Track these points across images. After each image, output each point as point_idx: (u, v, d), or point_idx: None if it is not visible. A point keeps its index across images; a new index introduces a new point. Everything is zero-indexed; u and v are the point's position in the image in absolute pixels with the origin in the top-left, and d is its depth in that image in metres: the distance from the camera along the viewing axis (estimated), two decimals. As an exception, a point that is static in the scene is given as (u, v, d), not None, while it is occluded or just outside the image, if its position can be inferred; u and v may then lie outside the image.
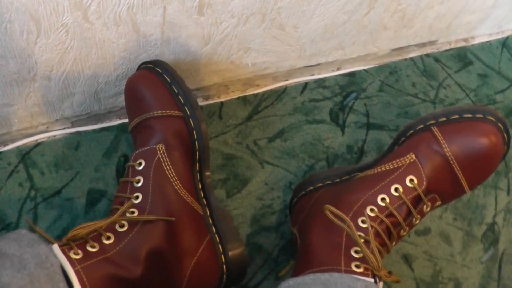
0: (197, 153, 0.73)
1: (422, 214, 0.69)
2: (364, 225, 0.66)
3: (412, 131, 0.73)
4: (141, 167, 0.69)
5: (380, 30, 0.95)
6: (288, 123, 0.92)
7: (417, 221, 0.69)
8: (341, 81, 0.99)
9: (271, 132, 0.91)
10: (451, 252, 0.84)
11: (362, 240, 0.64)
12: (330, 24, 0.88)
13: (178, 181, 0.69)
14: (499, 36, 1.13)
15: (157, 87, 0.75)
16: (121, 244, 0.62)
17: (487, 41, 1.12)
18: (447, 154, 0.69)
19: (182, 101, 0.74)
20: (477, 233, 0.87)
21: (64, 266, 0.57)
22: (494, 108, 0.71)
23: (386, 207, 0.67)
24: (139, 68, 0.79)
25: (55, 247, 0.59)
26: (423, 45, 1.05)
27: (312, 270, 0.64)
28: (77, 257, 0.59)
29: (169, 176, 0.69)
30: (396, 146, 0.74)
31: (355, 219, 0.67)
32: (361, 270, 0.63)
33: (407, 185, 0.68)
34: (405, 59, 1.04)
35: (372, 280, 0.62)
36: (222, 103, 0.92)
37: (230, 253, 0.68)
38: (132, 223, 0.64)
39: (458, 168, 0.69)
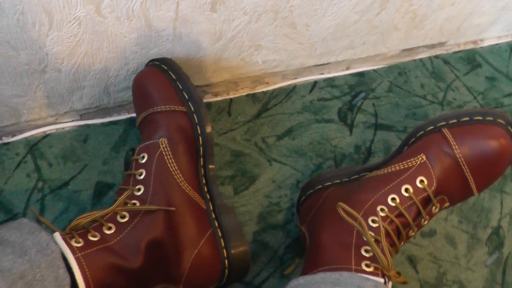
0: (201, 148, 0.74)
1: (431, 215, 0.70)
2: (374, 225, 0.66)
3: (422, 132, 0.73)
4: (144, 160, 0.70)
5: (390, 31, 0.95)
6: (296, 121, 0.92)
7: (426, 222, 0.69)
8: (350, 80, 0.99)
9: (280, 130, 0.91)
10: (456, 254, 0.84)
11: (373, 240, 0.65)
12: (342, 24, 0.88)
13: (180, 175, 0.70)
14: (509, 39, 1.13)
15: (162, 83, 0.76)
16: (122, 234, 0.63)
17: (496, 44, 1.12)
18: (457, 156, 0.69)
19: (187, 97, 0.75)
20: (482, 237, 0.87)
21: (65, 253, 0.58)
22: (504, 112, 0.71)
23: (396, 207, 0.68)
24: (146, 65, 0.80)
25: (56, 235, 0.60)
26: (432, 46, 1.05)
27: (322, 268, 0.64)
28: (78, 245, 0.60)
29: (171, 169, 0.70)
30: (406, 147, 0.74)
31: (365, 218, 0.67)
32: (371, 269, 0.63)
33: (417, 186, 0.68)
34: (414, 60, 1.04)
35: (382, 280, 0.62)
36: (231, 100, 0.92)
37: (232, 251, 0.68)
38: (133, 214, 0.65)
39: (467, 170, 0.69)
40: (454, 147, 0.69)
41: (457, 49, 1.09)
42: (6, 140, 0.83)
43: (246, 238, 0.78)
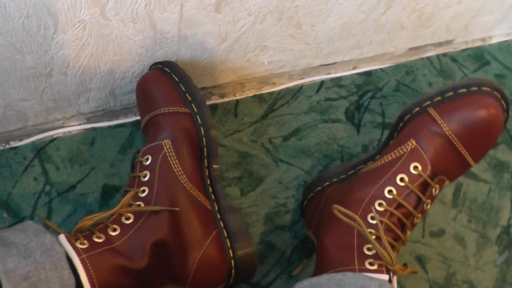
0: (205, 149, 0.74)
1: (432, 198, 0.68)
2: (373, 222, 0.66)
3: (409, 116, 0.72)
4: (148, 162, 0.71)
5: (397, 30, 0.94)
6: (303, 121, 0.92)
7: (428, 206, 0.68)
8: (357, 80, 0.98)
9: (286, 130, 0.90)
10: (465, 254, 0.84)
11: (374, 237, 0.64)
12: (348, 23, 0.88)
13: (184, 175, 0.70)
14: (517, 37, 1.12)
15: (164, 85, 0.77)
16: (127, 235, 0.64)
17: (505, 41, 1.11)
18: (447, 133, 0.68)
19: (190, 98, 0.75)
20: (491, 236, 0.86)
21: (70, 254, 0.59)
22: (488, 78, 0.69)
23: (394, 199, 0.67)
24: (150, 69, 0.81)
25: (61, 236, 0.60)
26: (440, 44, 1.05)
27: (327, 272, 0.64)
28: (83, 246, 0.60)
29: (175, 170, 0.70)
30: (396, 133, 0.73)
31: (364, 216, 0.66)
32: (375, 267, 0.63)
33: (411, 173, 0.67)
34: (422, 59, 1.03)
35: (387, 277, 0.61)
36: (237, 101, 0.92)
37: (239, 252, 0.68)
38: (138, 215, 0.66)
39: (460, 145, 0.68)
40: (442, 125, 0.68)
41: (465, 46, 1.08)
42: (13, 144, 0.83)
43: (253, 239, 0.78)
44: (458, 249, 0.84)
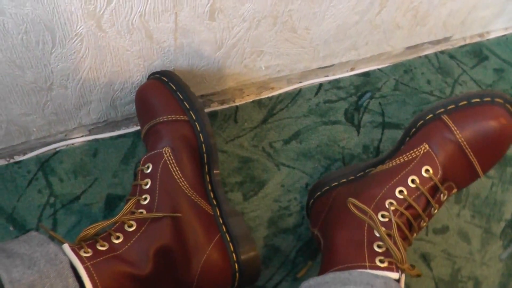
0: (205, 155, 0.75)
1: (440, 203, 0.69)
2: (384, 219, 0.67)
3: (422, 122, 0.73)
4: (149, 170, 0.72)
5: (393, 29, 0.95)
6: (303, 125, 0.92)
7: (435, 211, 0.69)
8: (355, 81, 0.99)
9: (287, 134, 0.91)
10: (470, 250, 0.84)
11: (385, 234, 0.65)
12: (342, 25, 0.88)
13: (185, 182, 0.71)
14: (515, 31, 1.12)
15: (163, 94, 0.78)
16: (130, 242, 0.65)
17: (503, 35, 1.11)
18: (459, 140, 0.69)
19: (188, 106, 0.76)
20: (496, 230, 0.86)
21: (74, 263, 0.59)
22: (501, 91, 0.70)
23: (404, 200, 0.68)
24: (148, 79, 0.82)
25: (65, 246, 0.61)
26: (437, 42, 1.05)
27: (336, 268, 0.65)
28: (87, 255, 0.61)
29: (175, 177, 0.71)
30: (408, 138, 0.74)
31: (375, 213, 0.67)
32: (385, 264, 0.63)
33: (423, 176, 0.69)
34: (420, 57, 1.04)
35: (393, 275, 0.62)
36: (237, 107, 0.93)
37: (242, 257, 0.69)
38: (140, 222, 0.67)
39: (471, 153, 0.69)
40: (455, 132, 0.69)
41: (463, 43, 1.08)
42: (17, 158, 0.84)
43: (256, 242, 0.79)
44: (463, 245, 0.84)
